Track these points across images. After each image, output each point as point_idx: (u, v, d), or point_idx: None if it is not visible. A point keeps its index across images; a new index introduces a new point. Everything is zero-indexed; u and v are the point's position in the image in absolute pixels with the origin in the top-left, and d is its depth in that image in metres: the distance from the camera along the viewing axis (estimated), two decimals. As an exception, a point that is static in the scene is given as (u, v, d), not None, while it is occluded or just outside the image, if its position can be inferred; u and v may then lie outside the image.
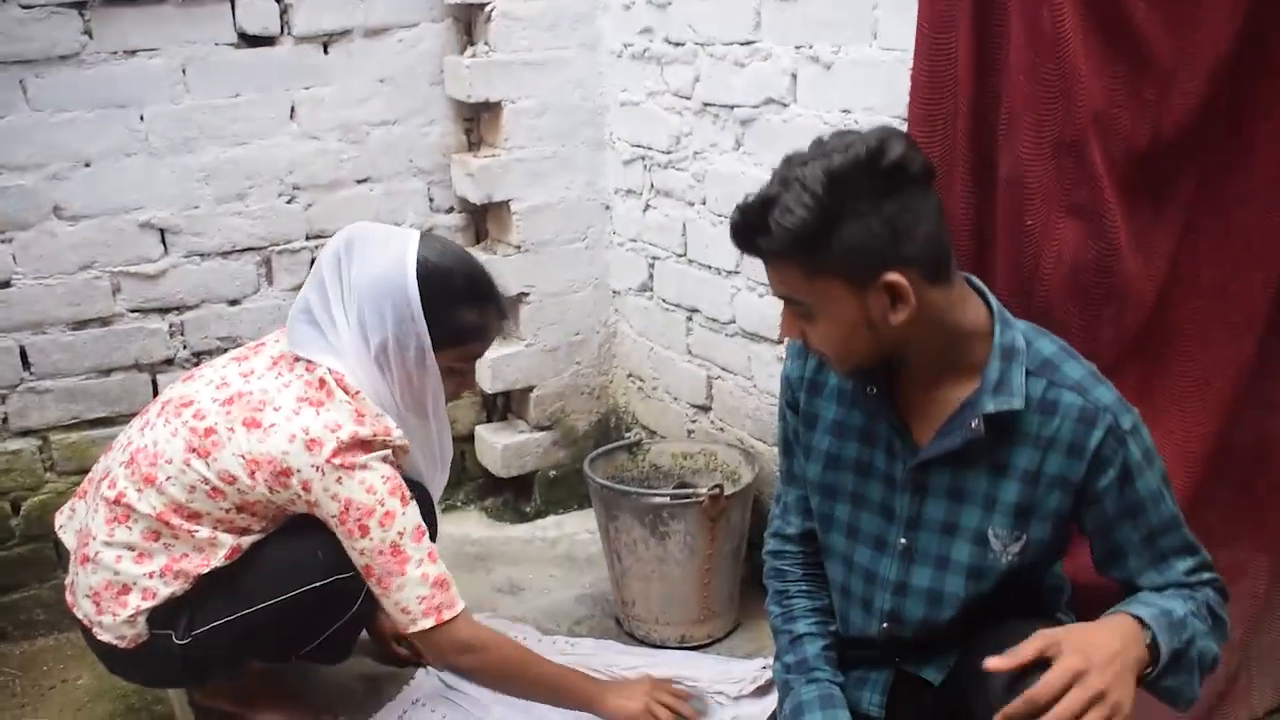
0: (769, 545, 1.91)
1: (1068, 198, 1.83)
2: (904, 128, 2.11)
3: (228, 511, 2.03)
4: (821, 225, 1.43)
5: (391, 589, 2.01)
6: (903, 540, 1.64)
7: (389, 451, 2.02)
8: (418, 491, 2.15)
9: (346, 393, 2.01)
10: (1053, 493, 1.56)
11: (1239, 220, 1.82)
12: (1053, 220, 1.82)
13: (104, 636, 2.08)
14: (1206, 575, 1.59)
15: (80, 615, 2.11)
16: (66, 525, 2.22)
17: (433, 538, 2.21)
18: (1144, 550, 1.57)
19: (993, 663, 1.41)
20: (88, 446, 2.83)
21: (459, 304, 2.07)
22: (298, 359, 2.06)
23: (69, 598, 2.16)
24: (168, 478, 2.02)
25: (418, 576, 2.01)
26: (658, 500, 2.53)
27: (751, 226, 1.49)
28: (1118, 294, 1.86)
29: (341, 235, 2.08)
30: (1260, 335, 1.87)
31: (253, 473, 1.98)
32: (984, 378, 1.54)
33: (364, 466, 1.98)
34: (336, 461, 1.96)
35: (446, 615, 2.03)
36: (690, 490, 2.55)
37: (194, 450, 2.01)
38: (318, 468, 1.96)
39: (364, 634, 2.45)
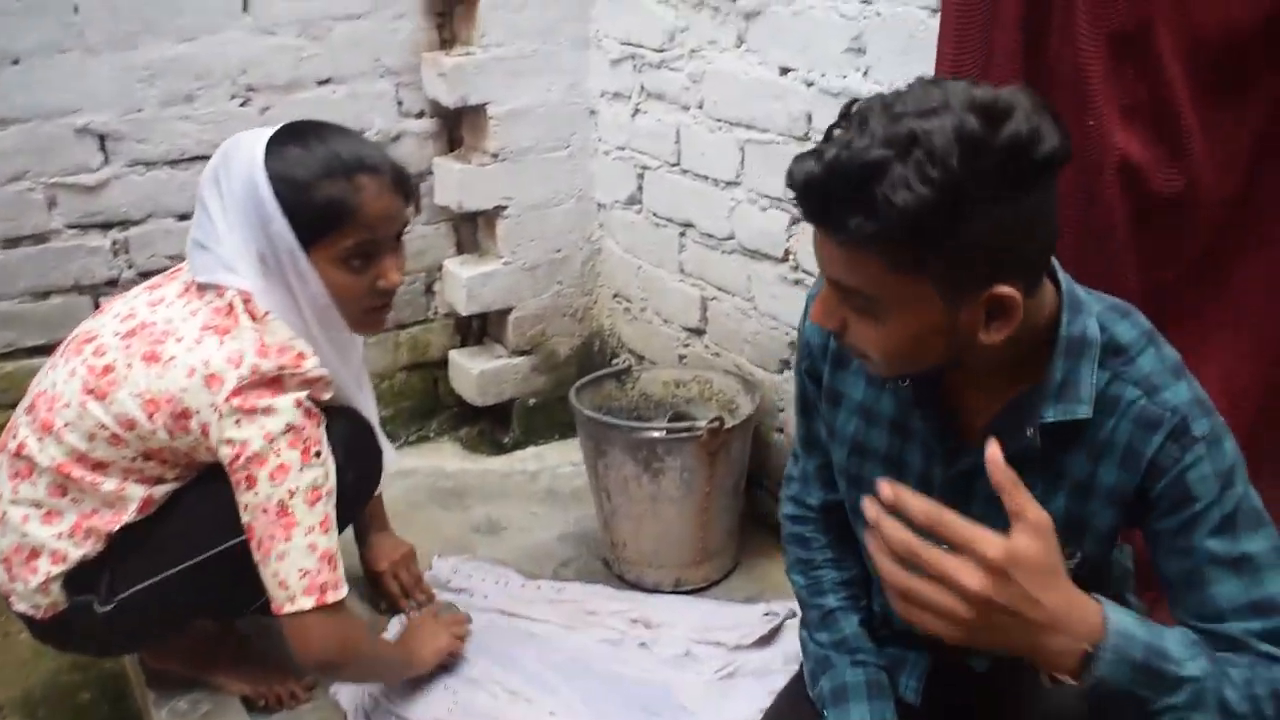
0: (786, 508, 1.69)
1: (1130, 95, 1.64)
2: (938, 20, 1.89)
3: (134, 460, 1.80)
4: (947, 211, 1.08)
5: (270, 556, 1.74)
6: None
7: (303, 392, 1.76)
8: (355, 418, 1.93)
9: (253, 318, 1.76)
10: (1106, 509, 1.31)
11: None
12: (1113, 118, 1.64)
13: (19, 606, 1.88)
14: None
15: None
16: None
17: (378, 474, 2.04)
18: (1191, 591, 1.26)
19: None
20: (25, 377, 2.55)
21: (318, 182, 1.75)
22: (210, 285, 1.81)
23: None
24: (65, 424, 1.79)
25: (304, 545, 1.74)
26: (652, 434, 2.32)
27: (842, 199, 1.11)
28: (1184, 203, 1.68)
29: (220, 148, 1.82)
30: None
31: (151, 414, 1.75)
32: (1046, 377, 1.27)
33: (267, 411, 1.72)
34: (236, 403, 1.71)
35: (330, 598, 1.76)
36: (688, 424, 2.34)
37: (90, 391, 1.78)
38: (215, 408, 1.72)
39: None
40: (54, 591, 1.85)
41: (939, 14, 1.91)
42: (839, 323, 1.25)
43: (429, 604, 2.34)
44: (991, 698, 1.48)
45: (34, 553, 1.84)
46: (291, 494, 1.74)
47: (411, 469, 2.88)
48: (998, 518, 1.12)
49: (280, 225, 1.75)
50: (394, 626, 2.30)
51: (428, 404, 3.09)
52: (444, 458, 3.02)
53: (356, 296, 1.84)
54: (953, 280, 1.15)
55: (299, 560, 1.74)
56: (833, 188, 1.12)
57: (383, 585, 2.34)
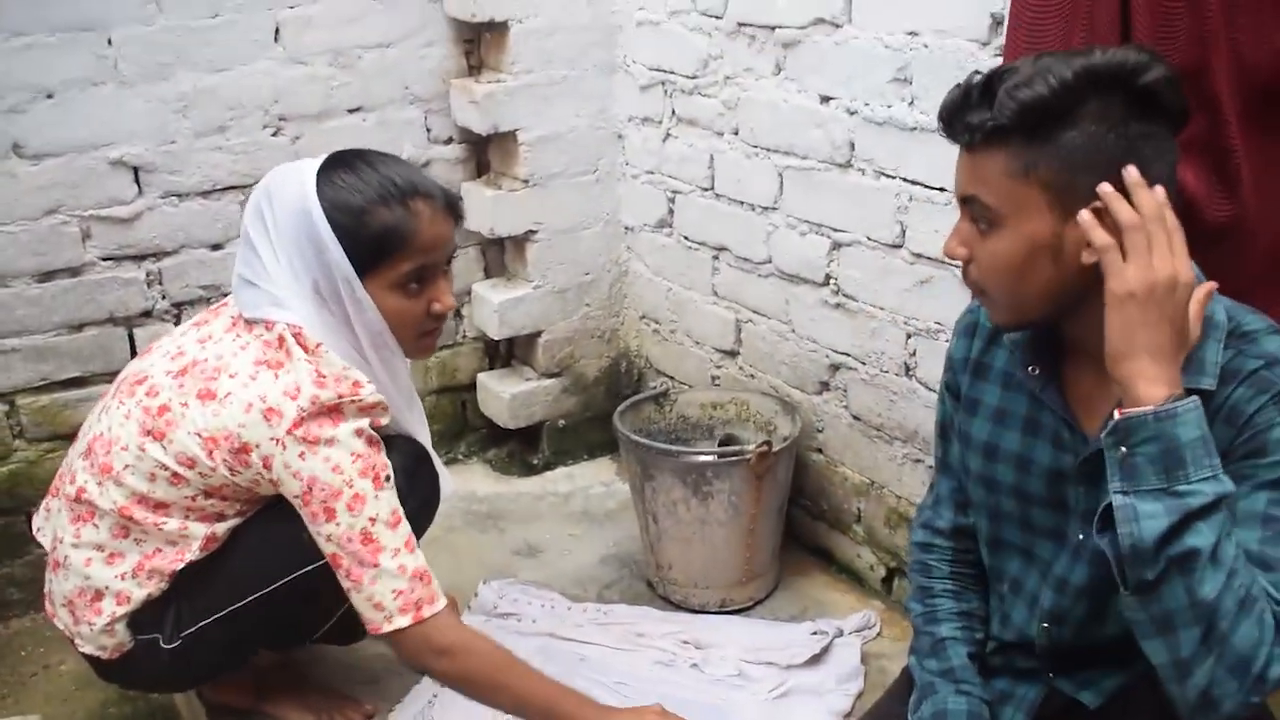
0: (917, 535, 1.74)
1: (1187, 129, 1.68)
2: (987, 54, 1.93)
3: (194, 499, 1.81)
4: (1059, 110, 1.26)
5: (363, 582, 1.76)
6: (1080, 535, 1.46)
7: (364, 420, 1.77)
8: (413, 446, 1.94)
9: (306, 350, 1.77)
10: None
11: None
12: None
13: (85, 648, 1.90)
14: None
15: (61, 626, 1.93)
16: (44, 527, 1.99)
17: (437, 501, 2.05)
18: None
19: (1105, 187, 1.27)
20: (59, 410, 2.59)
21: (370, 210, 1.76)
22: (258, 319, 1.82)
23: (48, 607, 1.96)
24: (125, 466, 1.80)
25: (393, 568, 1.76)
26: (702, 459, 2.35)
27: (971, 98, 1.31)
28: (1234, 232, 1.72)
29: (261, 184, 1.83)
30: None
31: (211, 452, 1.76)
32: None
33: (330, 442, 1.73)
34: (299, 434, 1.72)
35: (426, 612, 1.78)
36: (737, 448, 2.37)
37: (149, 433, 1.79)
38: (277, 440, 1.73)
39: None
40: (119, 632, 1.86)
41: (987, 46, 1.97)
42: (966, 251, 1.39)
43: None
44: None
45: (98, 594, 1.85)
46: (373, 521, 1.75)
47: (453, 492, 2.90)
48: None
49: (336, 254, 1.76)
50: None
51: (456, 426, 3.11)
52: (475, 480, 3.03)
53: (412, 321, 1.85)
54: (1060, 188, 1.29)
55: (391, 583, 1.76)
56: (968, 93, 1.32)
57: None
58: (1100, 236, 1.25)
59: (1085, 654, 1.54)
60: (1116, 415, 1.25)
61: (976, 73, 1.35)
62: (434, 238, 1.83)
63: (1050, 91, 1.26)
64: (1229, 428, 1.32)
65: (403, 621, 1.76)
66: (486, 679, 1.85)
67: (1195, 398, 1.24)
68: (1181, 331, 1.26)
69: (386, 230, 1.77)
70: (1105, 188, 1.25)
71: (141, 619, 1.87)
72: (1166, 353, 1.25)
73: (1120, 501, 1.24)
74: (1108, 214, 1.26)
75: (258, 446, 1.74)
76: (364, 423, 1.78)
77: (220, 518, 1.86)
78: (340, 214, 1.76)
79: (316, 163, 1.81)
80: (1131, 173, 1.25)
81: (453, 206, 1.87)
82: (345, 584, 1.78)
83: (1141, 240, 1.24)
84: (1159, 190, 1.26)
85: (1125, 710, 1.45)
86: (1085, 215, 1.26)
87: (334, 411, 1.75)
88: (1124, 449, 1.24)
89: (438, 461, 2.07)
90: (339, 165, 1.81)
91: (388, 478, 1.78)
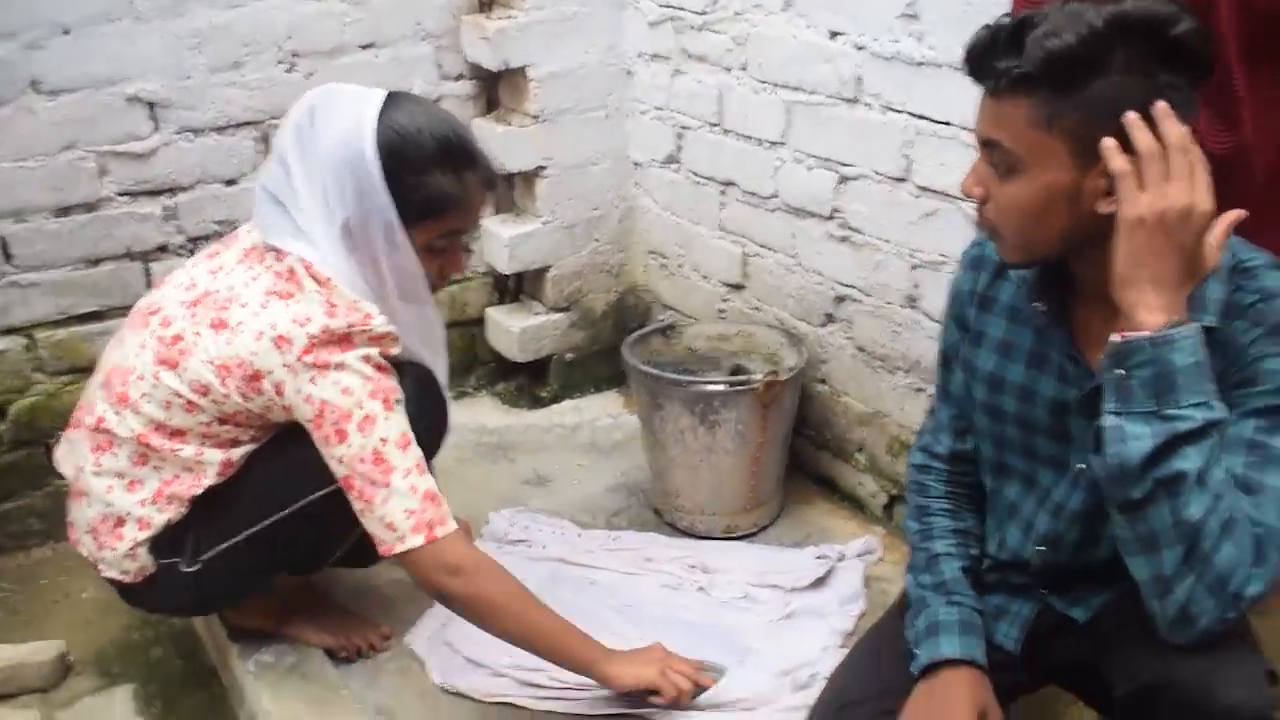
0: (915, 459, 1.79)
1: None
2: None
3: (209, 425, 1.86)
4: (1086, 61, 1.27)
5: (375, 502, 1.79)
6: (1080, 465, 1.52)
7: (373, 349, 1.81)
8: (420, 371, 1.98)
9: (317, 281, 1.80)
10: None
11: None
12: None
13: (108, 573, 1.96)
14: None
15: (84, 553, 1.99)
16: (64, 459, 2.03)
17: (446, 427, 2.08)
18: None
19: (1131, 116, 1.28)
20: (78, 344, 2.63)
21: (430, 169, 1.80)
22: (269, 248, 1.85)
23: (72, 535, 2.02)
24: (142, 395, 1.85)
25: (405, 488, 1.79)
26: (710, 388, 2.40)
27: (999, 44, 1.31)
28: (1235, 163, 1.76)
29: (305, 100, 1.83)
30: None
31: (224, 379, 1.80)
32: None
33: (340, 366, 1.77)
34: (309, 359, 1.76)
35: (439, 532, 1.80)
36: (744, 378, 2.42)
37: (163, 362, 1.84)
38: (289, 367, 1.77)
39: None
40: (141, 556, 1.92)
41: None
42: (984, 191, 1.41)
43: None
44: (1085, 649, 1.57)
45: (120, 520, 1.91)
46: (384, 441, 1.79)
47: (454, 425, 2.94)
48: None
49: (384, 199, 1.78)
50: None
51: (466, 360, 3.15)
52: (485, 413, 3.08)
53: (434, 274, 1.92)
54: (1081, 139, 1.30)
55: (403, 502, 1.79)
56: (996, 37, 1.32)
57: None
58: (1119, 162, 1.27)
59: (1076, 574, 1.60)
60: (1115, 338, 1.29)
61: (1006, 15, 1.35)
62: (474, 210, 1.90)
63: (1079, 41, 1.26)
64: (1223, 358, 1.36)
65: (415, 541, 1.79)
66: (499, 603, 1.87)
67: (1195, 325, 1.27)
68: (1192, 261, 1.27)
69: (438, 195, 1.82)
70: (1131, 116, 1.26)
71: (162, 543, 1.92)
72: (1171, 281, 1.27)
73: (1111, 422, 1.29)
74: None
75: (270, 373, 1.79)
76: (374, 350, 1.81)
77: (235, 444, 1.90)
78: (395, 164, 1.79)
79: (377, 99, 1.81)
80: (1161, 106, 1.26)
81: (493, 183, 1.93)
82: (357, 506, 1.81)
83: (1158, 169, 1.25)
84: (1184, 125, 1.27)
85: (1110, 624, 1.51)
86: (1109, 142, 1.27)
87: (344, 339, 1.79)
88: (1120, 371, 1.29)
89: (448, 397, 2.11)
90: (401, 110, 1.82)
91: (398, 400, 1.82)
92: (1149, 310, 1.28)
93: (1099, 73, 1.28)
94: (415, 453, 1.82)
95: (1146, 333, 1.27)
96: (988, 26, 1.35)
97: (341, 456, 1.80)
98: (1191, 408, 1.27)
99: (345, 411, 1.77)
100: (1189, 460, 1.26)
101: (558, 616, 1.92)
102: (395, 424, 1.80)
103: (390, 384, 1.82)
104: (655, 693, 1.94)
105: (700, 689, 1.97)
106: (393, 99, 1.83)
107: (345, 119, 1.79)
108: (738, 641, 2.17)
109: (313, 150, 1.80)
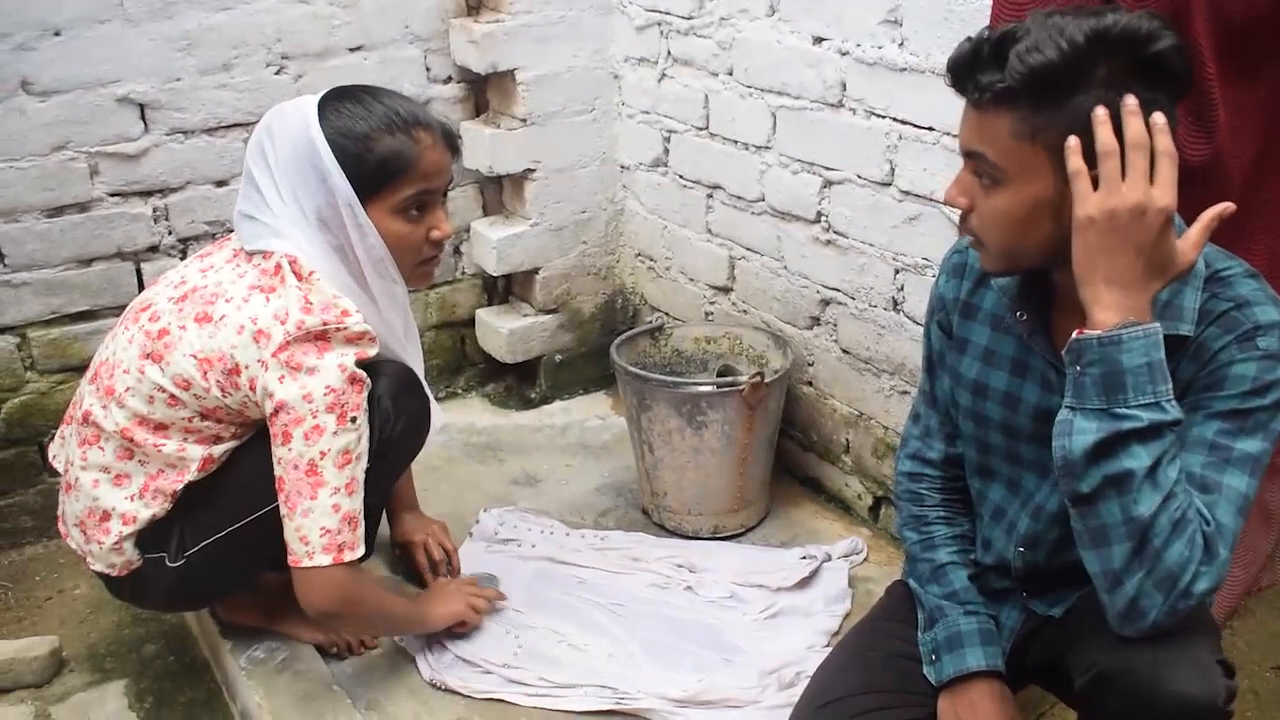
0: (904, 465, 1.81)
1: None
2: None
3: (191, 420, 1.88)
4: (1068, 76, 1.29)
5: (297, 511, 1.82)
6: None
7: (350, 351, 1.83)
8: (403, 371, 1.99)
9: (299, 277, 1.83)
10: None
11: None
12: None
13: (95, 566, 1.98)
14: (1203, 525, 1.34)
15: (73, 545, 2.01)
16: (59, 454, 2.07)
17: (427, 423, 2.09)
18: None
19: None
20: (69, 343, 2.65)
21: (378, 135, 1.84)
22: (257, 250, 1.89)
23: (62, 528, 2.04)
24: (126, 389, 1.88)
25: (328, 506, 1.81)
26: (697, 389, 2.43)
27: (982, 58, 1.33)
28: (1212, 170, 1.80)
29: (262, 122, 1.90)
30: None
31: (205, 373, 1.83)
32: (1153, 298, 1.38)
33: (310, 370, 1.79)
34: (282, 357, 1.79)
35: (346, 557, 1.84)
36: (731, 379, 2.45)
37: (148, 355, 1.87)
38: (263, 362, 1.80)
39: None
40: (127, 550, 1.94)
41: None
42: (968, 201, 1.43)
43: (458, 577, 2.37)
44: (1059, 644, 1.60)
45: (106, 515, 1.93)
46: (323, 455, 1.81)
47: (444, 425, 2.96)
48: None
49: (339, 179, 1.83)
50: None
51: (455, 361, 3.18)
52: (474, 413, 3.11)
53: (412, 247, 1.93)
54: (1063, 151, 1.30)
55: (321, 519, 1.82)
56: (979, 51, 1.34)
57: (413, 556, 2.38)
58: (1073, 162, 1.28)
59: (1056, 576, 1.63)
60: (1074, 335, 1.32)
61: (988, 29, 1.37)
62: (435, 164, 1.90)
63: (1061, 56, 1.27)
64: (1195, 363, 1.39)
65: (323, 560, 1.83)
66: (363, 621, 2.08)
67: (1153, 326, 1.29)
68: (1153, 258, 1.28)
69: (390, 155, 1.85)
70: (1098, 112, 1.27)
71: (148, 538, 1.94)
72: (1126, 280, 1.28)
73: (1063, 415, 1.33)
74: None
75: (246, 368, 1.81)
76: (349, 354, 1.83)
77: (217, 440, 1.92)
78: (344, 139, 1.83)
79: (313, 98, 1.88)
80: (1129, 100, 1.27)
81: (450, 138, 1.95)
82: (282, 509, 1.85)
83: (1114, 167, 1.26)
84: (1158, 118, 1.27)
85: (1075, 619, 1.55)
86: (1072, 141, 1.28)
87: (320, 338, 1.81)
88: (1077, 368, 1.31)
89: (429, 391, 2.12)
90: (341, 96, 1.88)
91: (354, 419, 1.83)
92: (1104, 309, 1.30)
93: (1080, 87, 1.30)
94: (350, 473, 1.84)
95: (1097, 332, 1.29)
96: (970, 39, 1.36)
97: (281, 457, 1.83)
98: (1140, 408, 1.29)
99: (298, 416, 1.80)
100: (1137, 459, 1.28)
101: (394, 600, 2.13)
102: (341, 440, 1.82)
103: (355, 399, 1.83)
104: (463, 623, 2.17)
105: (494, 603, 2.25)
106: (334, 91, 1.90)
107: (293, 119, 1.85)
108: (724, 640, 2.20)
109: (275, 159, 1.85)
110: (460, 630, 2.18)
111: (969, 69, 1.35)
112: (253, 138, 1.89)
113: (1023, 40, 1.30)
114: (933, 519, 1.75)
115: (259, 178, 1.87)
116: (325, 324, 1.81)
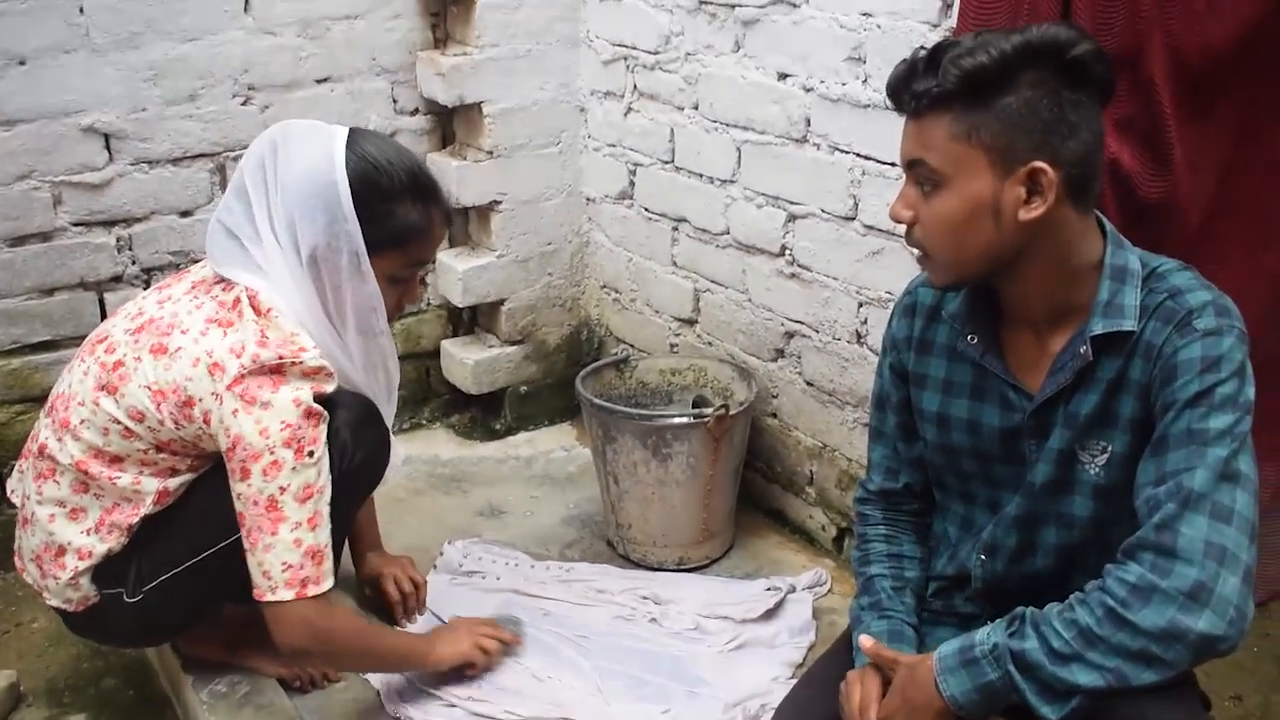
0: (856, 493, 1.87)
1: (1122, 109, 1.78)
2: (938, 35, 2.02)
3: (146, 452, 1.87)
4: (998, 78, 1.39)
5: (257, 546, 1.80)
6: (1032, 480, 1.58)
7: (306, 386, 1.81)
8: (361, 403, 1.97)
9: (257, 312, 1.82)
10: (1130, 400, 1.48)
11: None
12: (1109, 130, 1.77)
13: (52, 601, 1.96)
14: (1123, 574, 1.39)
15: (29, 580, 1.99)
16: (16, 488, 2.04)
17: (386, 457, 2.07)
18: (1150, 459, 1.43)
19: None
20: (30, 373, 2.63)
21: (397, 200, 1.85)
22: (218, 280, 1.88)
23: (18, 562, 2.02)
24: (81, 421, 1.86)
25: (289, 540, 1.80)
26: (662, 421, 2.44)
27: (918, 71, 1.43)
28: (1169, 207, 1.83)
29: (266, 135, 1.87)
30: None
31: (159, 405, 1.81)
32: (1094, 300, 1.48)
33: (265, 405, 1.78)
34: (237, 391, 1.77)
35: (310, 591, 1.82)
36: (697, 411, 2.46)
37: (103, 387, 1.85)
38: (217, 395, 1.78)
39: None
40: (84, 586, 1.92)
41: (937, 28, 2.05)
42: (913, 214, 1.49)
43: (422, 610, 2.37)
44: None
45: (61, 550, 1.91)
46: (283, 490, 1.79)
47: (409, 456, 2.96)
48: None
49: (353, 227, 1.82)
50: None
51: (420, 392, 3.18)
52: (439, 445, 3.10)
53: (392, 304, 1.95)
54: (999, 149, 1.40)
55: (283, 554, 1.81)
56: (914, 65, 1.44)
57: (383, 590, 2.35)
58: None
59: (1017, 592, 1.63)
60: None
61: (922, 48, 1.46)
62: (436, 243, 1.97)
63: (990, 60, 1.38)
64: (1146, 361, 1.45)
65: (286, 595, 1.82)
66: (344, 655, 2.02)
67: None
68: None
69: (406, 225, 1.87)
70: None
71: (104, 573, 1.92)
72: None
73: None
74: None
75: (200, 400, 1.80)
76: (305, 389, 1.81)
77: (173, 472, 1.90)
78: (367, 192, 1.83)
79: (342, 133, 1.86)
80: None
81: (451, 219, 2.03)
82: (245, 544, 1.83)
83: None
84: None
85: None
86: None
87: (275, 372, 1.79)
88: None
89: (392, 433, 2.10)
90: (367, 142, 1.87)
91: (311, 453, 1.81)
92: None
93: (1010, 88, 1.39)
94: (313, 507, 1.82)
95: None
96: (905, 60, 1.46)
97: (240, 493, 1.81)
98: (996, 670, 1.42)
99: (255, 452, 1.78)
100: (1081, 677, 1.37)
101: (392, 634, 2.16)
102: (301, 476, 1.80)
103: (312, 434, 1.82)
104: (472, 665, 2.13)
105: (508, 647, 2.20)
106: (357, 132, 1.88)
107: (312, 150, 1.83)
108: (689, 672, 2.20)
109: (276, 183, 1.83)
110: (471, 673, 2.14)
111: (906, 83, 1.45)
112: (253, 151, 1.86)
113: (954, 49, 1.41)
114: (871, 538, 1.80)
115: (253, 195, 1.84)
116: (281, 358, 1.79)
